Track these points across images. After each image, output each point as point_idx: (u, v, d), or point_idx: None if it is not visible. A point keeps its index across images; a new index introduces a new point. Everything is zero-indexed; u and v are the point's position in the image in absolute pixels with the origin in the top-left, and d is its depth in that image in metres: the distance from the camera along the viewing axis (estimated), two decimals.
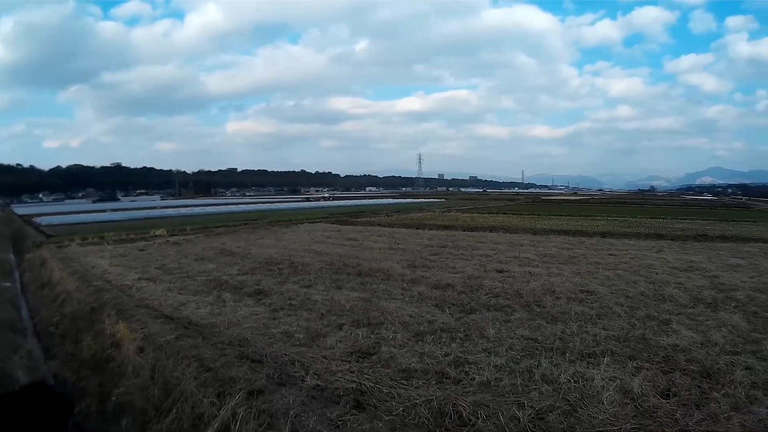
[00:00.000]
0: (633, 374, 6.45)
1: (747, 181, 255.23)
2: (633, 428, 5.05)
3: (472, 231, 27.74)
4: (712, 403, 5.64)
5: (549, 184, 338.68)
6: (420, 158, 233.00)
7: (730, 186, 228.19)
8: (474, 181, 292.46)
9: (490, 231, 27.60)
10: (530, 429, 4.97)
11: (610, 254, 18.27)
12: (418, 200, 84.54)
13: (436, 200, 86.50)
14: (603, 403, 5.57)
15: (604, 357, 7.07)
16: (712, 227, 30.95)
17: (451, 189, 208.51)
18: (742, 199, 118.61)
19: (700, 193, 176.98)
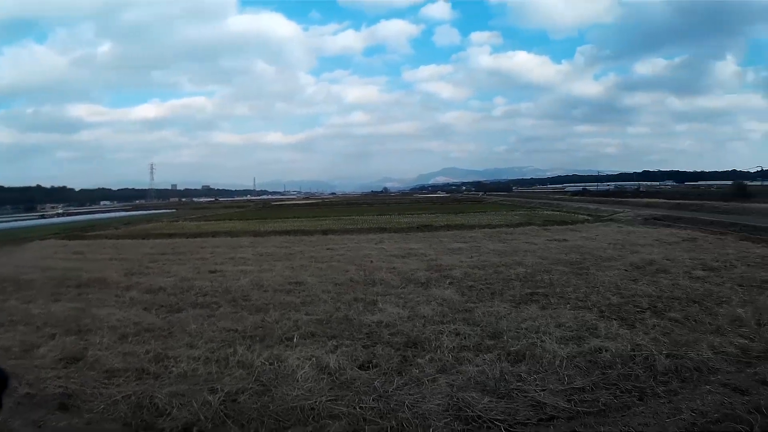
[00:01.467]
0: (331, 351, 7.21)
1: (481, 179, 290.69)
2: (329, 400, 5.61)
3: (195, 237, 29.24)
4: (414, 369, 6.43)
5: (282, 190, 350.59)
6: (152, 168, 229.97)
7: (464, 183, 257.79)
8: (207, 190, 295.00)
9: (213, 236, 29.06)
10: (222, 411, 5.57)
11: (328, 248, 20.41)
12: (150, 212, 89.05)
13: (167, 211, 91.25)
14: (297, 381, 6.14)
15: (296, 338, 8.04)
16: (439, 219, 35.72)
17: (184, 199, 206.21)
18: (478, 194, 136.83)
19: (434, 191, 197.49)
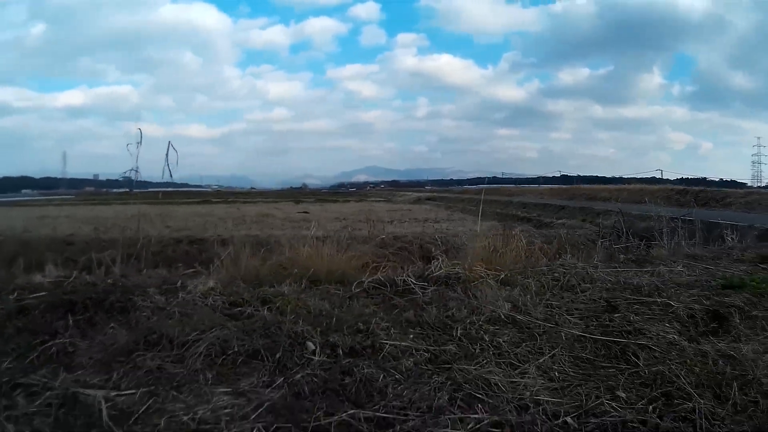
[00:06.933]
0: None
1: (400, 179, 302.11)
2: None
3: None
4: None
5: (202, 184, 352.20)
6: (65, 157, 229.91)
7: (383, 182, 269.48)
8: (128, 182, 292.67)
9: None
10: None
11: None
12: (52, 197, 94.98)
13: (67, 196, 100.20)
14: None
15: None
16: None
17: (104, 189, 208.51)
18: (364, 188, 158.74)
19: (348, 189, 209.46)
